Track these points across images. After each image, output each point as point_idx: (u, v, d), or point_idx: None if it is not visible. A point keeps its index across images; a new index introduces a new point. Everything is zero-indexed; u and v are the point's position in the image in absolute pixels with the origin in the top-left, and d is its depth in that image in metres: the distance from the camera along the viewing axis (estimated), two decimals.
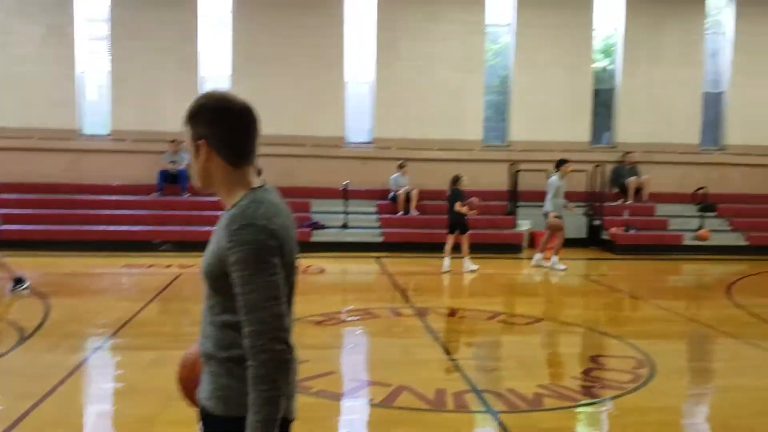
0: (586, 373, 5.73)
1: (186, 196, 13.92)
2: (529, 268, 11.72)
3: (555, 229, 11.51)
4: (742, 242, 14.09)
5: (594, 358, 6.35)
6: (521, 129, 15.27)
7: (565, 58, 15.18)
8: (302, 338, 6.66)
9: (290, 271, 2.03)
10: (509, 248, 13.49)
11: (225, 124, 2.04)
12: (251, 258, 1.89)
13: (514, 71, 15.28)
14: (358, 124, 15.44)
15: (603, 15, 15.56)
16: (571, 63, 15.23)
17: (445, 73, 14.99)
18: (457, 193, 10.91)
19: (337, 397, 5.01)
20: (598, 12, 15.41)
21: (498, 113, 15.82)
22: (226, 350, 2.00)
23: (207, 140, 2.04)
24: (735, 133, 15.75)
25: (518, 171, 14.58)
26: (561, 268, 11.23)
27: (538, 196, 14.60)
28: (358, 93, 15.39)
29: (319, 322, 7.26)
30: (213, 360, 2.03)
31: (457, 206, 10.83)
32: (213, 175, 2.07)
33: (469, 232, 11.13)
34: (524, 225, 14.21)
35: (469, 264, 11.01)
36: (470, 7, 15.03)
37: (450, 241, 11.09)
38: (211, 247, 2.03)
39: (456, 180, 11.03)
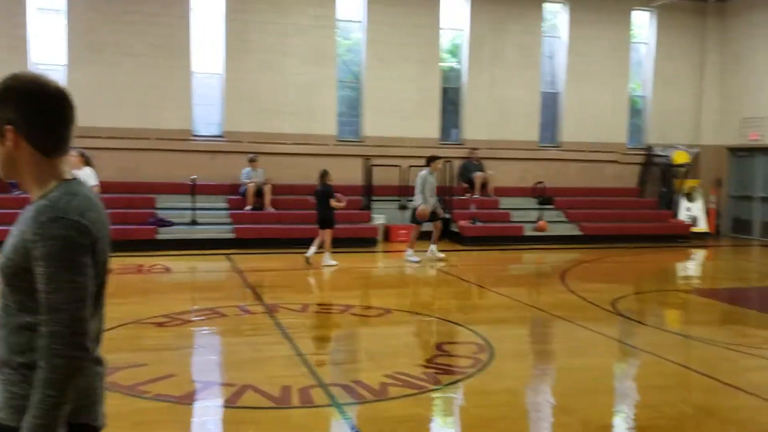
0: (431, 360, 5.86)
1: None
2: (400, 261, 11.88)
3: (422, 219, 11.79)
4: (577, 232, 15.12)
5: (439, 346, 6.53)
6: (374, 124, 15.44)
7: (415, 56, 15.53)
8: (140, 341, 6.35)
9: (101, 270, 1.88)
10: (364, 242, 13.59)
11: (36, 109, 1.84)
12: (58, 254, 1.73)
13: (366, 67, 15.42)
14: (208, 116, 14.92)
15: (450, 15, 16.07)
16: (421, 61, 15.61)
17: (297, 66, 14.84)
18: (328, 188, 10.91)
19: (175, 400, 4.75)
20: (445, 12, 15.90)
21: (352, 108, 15.90)
22: (22, 355, 1.81)
23: (15, 125, 1.83)
24: (570, 131, 16.87)
25: (372, 166, 14.74)
26: (415, 261, 11.49)
27: (391, 191, 14.95)
28: (207, 84, 14.85)
29: (160, 324, 6.90)
30: (7, 366, 1.84)
31: (333, 202, 10.90)
32: (20, 163, 1.87)
33: (333, 228, 11.20)
34: (379, 219, 14.40)
35: (329, 259, 10.99)
36: (321, 2, 14.97)
37: (322, 236, 11.09)
38: (12, 241, 1.83)
39: (324, 174, 11.06)
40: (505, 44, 16.11)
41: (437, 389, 5.11)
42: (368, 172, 14.73)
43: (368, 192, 14.66)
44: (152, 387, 4.91)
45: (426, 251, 11.78)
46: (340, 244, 12.69)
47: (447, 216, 13.37)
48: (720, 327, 7.83)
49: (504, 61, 16.11)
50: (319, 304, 8.15)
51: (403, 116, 15.42)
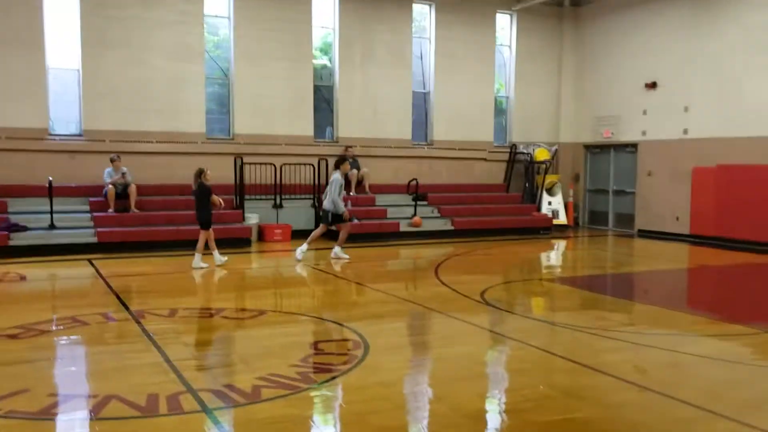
0: (305, 360, 5.82)
1: None
2: (293, 261, 11.64)
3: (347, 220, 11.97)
4: (449, 227, 15.60)
5: (314, 345, 6.50)
6: (246, 122, 15.15)
7: (286, 53, 15.38)
8: None
9: None
10: (238, 242, 13.30)
11: None
12: None
13: (236, 64, 15.09)
14: (66, 114, 14.03)
15: (321, 13, 16.05)
16: (293, 58, 15.48)
17: (162, 62, 14.28)
18: (207, 187, 10.67)
19: (30, 416, 4.42)
20: (316, 10, 15.86)
21: (222, 106, 15.50)
22: None
23: None
24: (440, 130, 17.36)
25: (244, 164, 14.45)
26: (346, 257, 11.73)
27: (265, 190, 14.73)
28: (65, 80, 13.96)
29: (13, 336, 6.41)
30: None
31: (215, 198, 10.70)
32: None
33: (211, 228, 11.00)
34: (252, 219, 14.14)
35: (199, 261, 10.70)
36: None
37: (206, 237, 10.81)
38: None
39: (200, 173, 10.75)
40: (375, 43, 16.31)
41: (311, 388, 5.08)
42: (240, 171, 14.43)
43: (240, 191, 14.36)
44: (3, 404, 4.54)
45: (297, 251, 11.66)
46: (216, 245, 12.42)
47: (356, 220, 13.39)
48: (579, 312, 8.33)
49: (375, 61, 16.31)
50: (189, 309, 7.87)
51: (275, 114, 15.25)
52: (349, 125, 16.22)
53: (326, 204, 11.84)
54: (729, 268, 11.89)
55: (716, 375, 5.59)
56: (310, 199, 15.15)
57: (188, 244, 12.69)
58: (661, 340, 6.65)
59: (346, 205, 14.82)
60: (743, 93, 14.26)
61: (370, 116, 16.34)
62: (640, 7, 16.62)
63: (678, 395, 4.93)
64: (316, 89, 16.10)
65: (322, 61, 16.53)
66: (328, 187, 11.92)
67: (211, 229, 10.93)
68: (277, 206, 14.76)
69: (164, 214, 13.36)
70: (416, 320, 7.84)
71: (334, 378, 5.34)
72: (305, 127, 15.74)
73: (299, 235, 14.51)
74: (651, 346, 6.39)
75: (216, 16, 15.26)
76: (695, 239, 15.14)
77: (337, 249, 11.91)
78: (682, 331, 7.21)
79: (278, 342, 6.49)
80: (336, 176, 11.78)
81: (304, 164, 15.15)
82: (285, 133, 15.35)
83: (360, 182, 15.80)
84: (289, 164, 14.95)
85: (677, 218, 15.76)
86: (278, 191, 14.73)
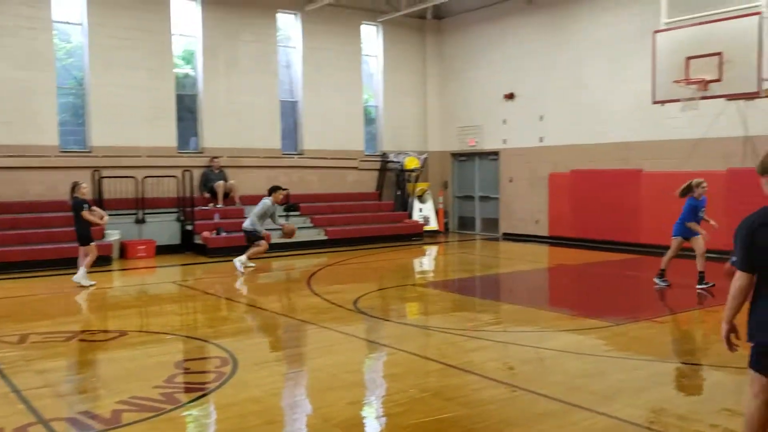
0: (169, 380, 5.55)
1: None
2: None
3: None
4: (323, 237, 15.56)
5: (180, 364, 6.22)
6: (103, 134, 14.35)
7: (145, 62, 14.75)
8: None
9: None
10: (97, 260, 12.50)
11: None
12: None
13: (90, 72, 14.26)
14: None
15: (182, 22, 15.55)
16: (153, 67, 14.87)
17: (7, 71, 13.25)
18: (80, 202, 10.23)
19: None
20: (176, 18, 15.34)
21: (77, 117, 14.61)
22: None
23: None
24: (311, 139, 17.30)
25: (102, 178, 13.68)
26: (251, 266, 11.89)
27: (126, 204, 14.03)
28: None
29: None
30: None
31: (85, 214, 10.18)
32: None
33: (93, 243, 10.61)
34: (113, 235, 13.41)
35: (83, 278, 10.23)
36: (34, 2, 13.52)
37: (85, 253, 10.38)
38: None
39: (75, 187, 10.31)
40: (240, 52, 16.02)
41: (176, 409, 4.85)
42: (98, 185, 13.66)
43: (99, 206, 13.52)
44: None
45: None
46: (71, 264, 11.66)
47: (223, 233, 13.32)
48: (450, 315, 8.55)
49: (240, 70, 16.01)
50: (43, 333, 7.30)
51: (135, 125, 14.56)
52: (214, 135, 15.79)
53: (245, 223, 12.10)
54: (584, 267, 12.67)
55: (574, 368, 5.90)
56: (175, 212, 14.59)
57: (42, 264, 11.87)
58: (524, 337, 6.95)
59: (213, 218, 14.50)
60: (593, 103, 15.30)
61: (237, 126, 16.00)
62: (498, 21, 17.44)
63: (540, 390, 5.16)
64: (179, 99, 15.56)
65: (184, 69, 16.01)
66: (255, 208, 12.10)
67: (92, 245, 10.46)
68: (140, 221, 14.10)
69: (16, 233, 12.39)
70: (288, 333, 7.72)
71: (201, 397, 5.13)
72: (168, 137, 15.15)
73: (164, 250, 13.95)
74: (515, 344, 6.65)
75: (67, 23, 14.38)
76: (554, 240, 16.03)
77: (243, 258, 11.80)
78: (543, 327, 7.58)
79: (141, 363, 6.16)
80: (266, 201, 11.99)
81: (168, 176, 14.57)
82: (146, 145, 14.71)
83: (228, 194, 15.41)
84: (152, 177, 14.33)
85: (537, 221, 16.62)
86: (141, 206, 14.07)
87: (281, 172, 16.61)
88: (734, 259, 3.31)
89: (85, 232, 10.41)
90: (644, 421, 4.52)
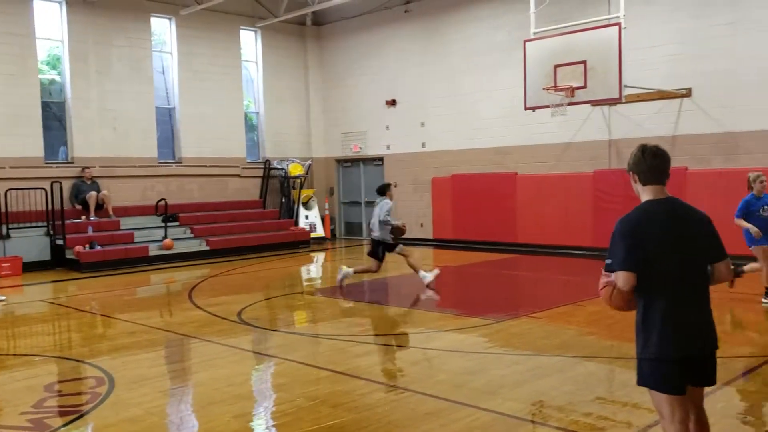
0: (38, 404, 5.18)
1: None
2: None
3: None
4: (204, 247, 15.12)
5: (49, 387, 5.82)
6: None
7: (5, 67, 13.76)
8: None
9: None
10: None
11: None
12: None
13: None
14: None
15: (46, 25, 14.64)
16: (15, 73, 13.89)
17: None
18: None
19: None
20: (40, 21, 14.43)
21: None
22: None
23: None
24: (189, 147, 16.76)
25: None
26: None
27: None
28: None
29: None
30: None
31: None
32: None
33: None
34: None
35: None
36: None
37: None
38: None
39: None
40: (112, 57, 15.30)
41: None
42: None
43: None
44: None
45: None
46: None
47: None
48: (337, 321, 8.53)
49: (112, 75, 15.28)
50: None
51: None
52: (85, 144, 14.95)
53: (377, 235, 10.52)
54: (467, 267, 13.05)
55: (458, 366, 6.05)
56: (43, 227, 13.69)
57: None
58: (411, 339, 7.05)
59: (87, 231, 13.73)
60: (470, 110, 15.83)
61: (110, 134, 15.24)
62: (377, 29, 17.68)
63: (425, 390, 5.25)
64: (45, 106, 14.63)
65: (50, 75, 15.07)
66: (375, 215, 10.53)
67: None
68: (4, 237, 13.11)
69: None
70: (168, 348, 7.42)
71: (74, 420, 4.82)
72: (33, 147, 14.19)
73: (32, 267, 13.07)
74: (401, 346, 6.75)
75: None
76: (438, 243, 16.42)
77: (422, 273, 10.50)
78: (429, 328, 7.72)
79: (6, 388, 5.71)
80: (386, 201, 10.53)
81: (35, 188, 13.66)
82: (9, 155, 13.71)
83: (101, 205, 14.62)
84: (16, 189, 13.39)
85: (421, 225, 16.97)
86: (4, 220, 13.10)
87: (158, 181, 16.01)
88: (609, 261, 3.14)
89: None
90: (525, 413, 4.70)
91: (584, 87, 11.52)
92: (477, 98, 15.66)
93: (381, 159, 18.02)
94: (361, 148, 18.43)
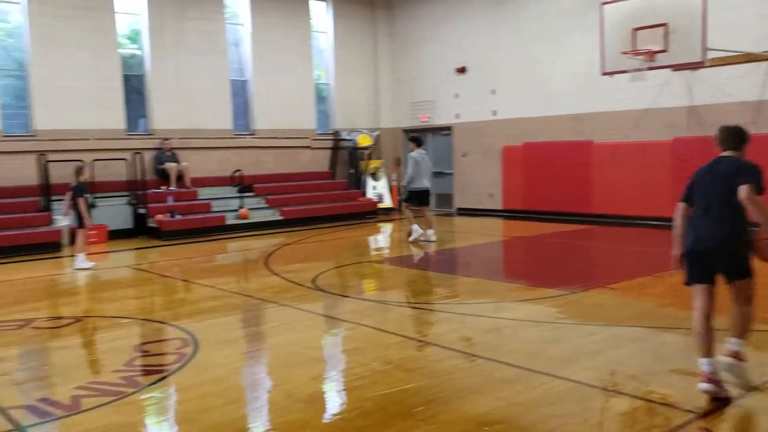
0: (129, 363, 5.49)
1: None
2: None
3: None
4: (278, 217, 15.46)
5: (138, 347, 6.15)
6: (48, 116, 13.90)
7: (89, 42, 14.29)
8: None
9: None
10: (47, 247, 12.24)
11: None
12: None
13: (32, 54, 13.76)
14: None
15: (125, 1, 15.09)
16: (97, 47, 14.42)
17: None
18: (82, 187, 10.46)
19: None
20: None
21: (19, 99, 14.10)
22: None
23: None
24: (262, 119, 17.08)
25: (48, 162, 13.30)
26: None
27: None
28: None
29: None
30: None
31: (81, 202, 10.31)
32: None
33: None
34: (62, 221, 13.04)
35: (84, 261, 10.34)
36: None
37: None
38: None
39: (78, 171, 10.49)
40: (187, 31, 15.65)
41: (139, 392, 4.80)
42: (44, 170, 13.27)
43: (46, 192, 13.21)
44: None
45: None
46: (17, 251, 11.43)
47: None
48: (407, 289, 8.62)
49: (187, 48, 15.65)
50: None
51: (80, 107, 14.14)
52: (164, 116, 15.44)
53: (427, 184, 12.26)
54: (538, 238, 12.91)
55: (532, 336, 6.04)
56: (126, 196, 14.29)
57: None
58: (482, 309, 7.07)
59: (166, 201, 14.24)
60: (543, 76, 15.48)
61: (187, 106, 15.67)
62: None
63: (500, 358, 5.27)
64: (126, 79, 15.16)
65: (131, 49, 15.57)
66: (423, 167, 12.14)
67: (83, 230, 10.56)
68: (91, 206, 13.72)
69: None
70: (248, 312, 7.69)
71: (162, 379, 5.09)
72: (115, 119, 14.76)
73: (117, 235, 13.69)
74: (474, 315, 6.76)
75: (5, 1, 13.83)
76: (508, 214, 16.26)
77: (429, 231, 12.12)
78: (500, 298, 7.71)
79: (99, 348, 6.07)
80: (419, 152, 12.10)
81: (118, 159, 14.24)
82: (93, 127, 14.31)
83: (180, 176, 15.13)
84: (101, 160, 13.99)
85: (491, 195, 16.82)
86: (90, 190, 13.71)
87: (233, 153, 16.41)
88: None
89: (81, 216, 10.45)
90: (600, 382, 4.67)
91: (665, 51, 11.08)
92: (550, 64, 15.30)
93: (449, 128, 17.89)
94: (429, 117, 18.34)
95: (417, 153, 12.32)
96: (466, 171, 17.54)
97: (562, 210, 15.03)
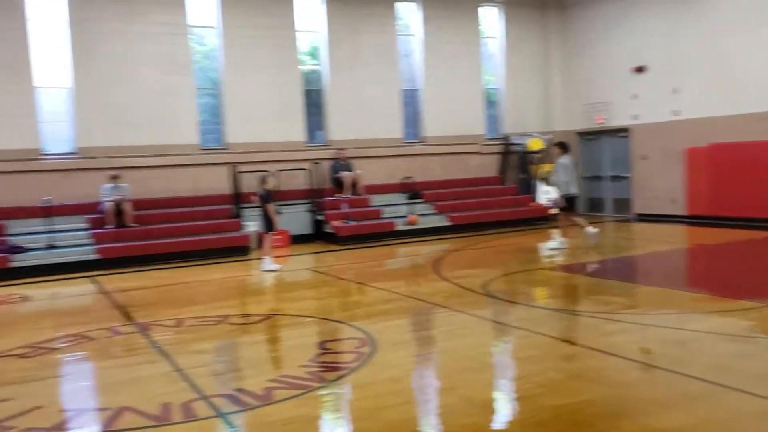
0: (314, 360, 5.85)
1: None
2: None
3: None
4: (446, 223, 15.62)
5: (322, 345, 6.53)
6: (238, 131, 15.16)
7: (273, 60, 15.41)
8: (1, 375, 5.88)
9: None
10: (237, 251, 13.33)
11: None
12: None
13: (224, 73, 15.10)
14: (58, 133, 13.99)
15: (305, 18, 16.07)
16: (280, 64, 15.50)
17: (150, 75, 14.27)
18: (269, 194, 11.31)
19: None
20: (300, 14, 15.89)
21: (214, 116, 15.51)
22: None
23: None
24: (432, 126, 17.38)
25: (239, 173, 14.47)
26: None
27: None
28: (55, 99, 13.95)
29: (22, 355, 6.44)
30: None
31: (269, 207, 11.22)
32: None
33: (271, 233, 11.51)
34: (251, 226, 14.14)
35: (270, 263, 11.14)
36: (170, 8, 14.47)
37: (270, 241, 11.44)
38: None
39: (264, 180, 11.37)
40: (362, 44, 16.34)
41: (322, 387, 5.11)
42: (235, 180, 14.46)
43: (237, 200, 14.38)
44: (19, 421, 4.57)
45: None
46: (211, 254, 12.53)
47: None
48: (582, 298, 8.38)
49: (363, 61, 16.33)
50: (195, 318, 7.89)
51: (266, 121, 15.26)
52: (340, 128, 16.24)
53: (573, 190, 12.31)
54: (726, 246, 11.95)
55: (722, 350, 5.63)
56: (306, 203, 15.17)
57: (188, 256, 12.75)
58: (664, 320, 6.69)
59: (341, 208, 14.93)
60: (733, 71, 14.33)
61: (361, 117, 16.35)
62: None
63: (685, 371, 4.98)
64: (306, 93, 16.12)
65: (310, 65, 16.53)
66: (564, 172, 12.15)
67: (270, 234, 11.42)
68: (276, 213, 14.75)
69: (164, 227, 13.40)
70: (421, 316, 7.87)
71: (343, 376, 5.37)
72: (296, 132, 15.76)
73: (297, 240, 14.56)
74: (655, 326, 6.43)
75: (202, 27, 15.28)
76: (692, 220, 15.20)
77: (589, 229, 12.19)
78: (684, 309, 7.26)
79: (286, 344, 6.53)
80: (564, 159, 12.15)
81: (300, 169, 15.18)
82: (277, 140, 15.38)
83: (354, 184, 15.79)
84: (284, 170, 14.99)
85: (673, 200, 15.82)
86: (276, 198, 14.73)
87: (403, 161, 16.83)
88: None
89: (269, 221, 11.33)
90: None
91: None
92: (740, 59, 14.12)
93: (626, 130, 17.08)
94: (605, 119, 17.63)
95: (566, 158, 11.99)
96: (646, 174, 16.64)
97: (753, 215, 13.78)
